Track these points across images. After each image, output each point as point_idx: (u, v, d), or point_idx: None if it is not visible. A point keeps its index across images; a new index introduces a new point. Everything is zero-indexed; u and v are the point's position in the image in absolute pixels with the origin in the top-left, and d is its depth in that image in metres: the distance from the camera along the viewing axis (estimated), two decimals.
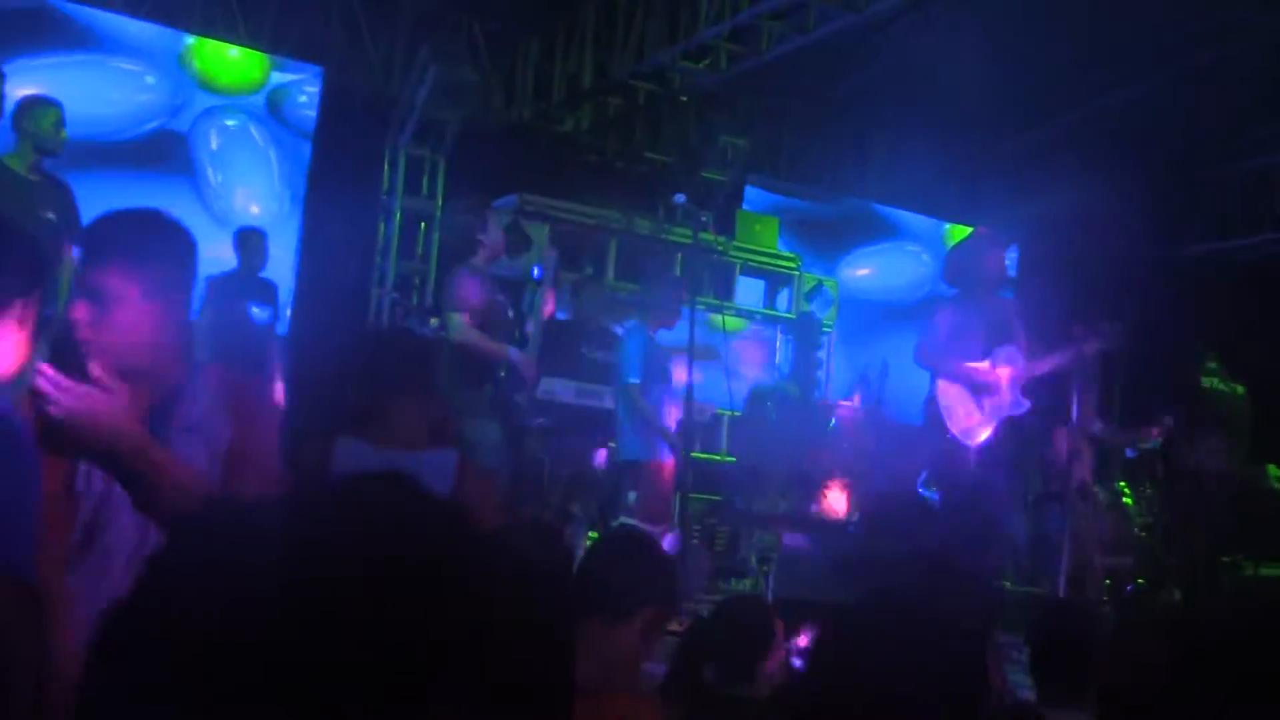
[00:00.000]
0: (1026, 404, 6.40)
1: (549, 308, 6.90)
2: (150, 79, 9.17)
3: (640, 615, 2.67)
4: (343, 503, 1.01)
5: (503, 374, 6.31)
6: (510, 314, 6.55)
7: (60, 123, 6.61)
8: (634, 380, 6.99)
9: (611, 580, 2.71)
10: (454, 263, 6.75)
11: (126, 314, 2.47)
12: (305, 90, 9.62)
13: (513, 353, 6.33)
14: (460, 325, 6.20)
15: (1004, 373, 6.31)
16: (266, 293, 8.23)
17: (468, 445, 5.36)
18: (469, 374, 6.16)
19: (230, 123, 9.49)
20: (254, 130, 9.57)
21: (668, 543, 6.06)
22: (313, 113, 9.57)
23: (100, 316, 2.46)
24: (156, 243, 2.58)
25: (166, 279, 2.56)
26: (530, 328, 6.55)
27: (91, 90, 8.74)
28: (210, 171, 9.40)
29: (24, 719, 1.78)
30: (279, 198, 9.56)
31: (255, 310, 8.02)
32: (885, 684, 1.72)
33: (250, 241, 8.10)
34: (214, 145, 9.42)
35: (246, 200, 9.43)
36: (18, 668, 1.80)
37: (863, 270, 11.70)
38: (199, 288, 2.63)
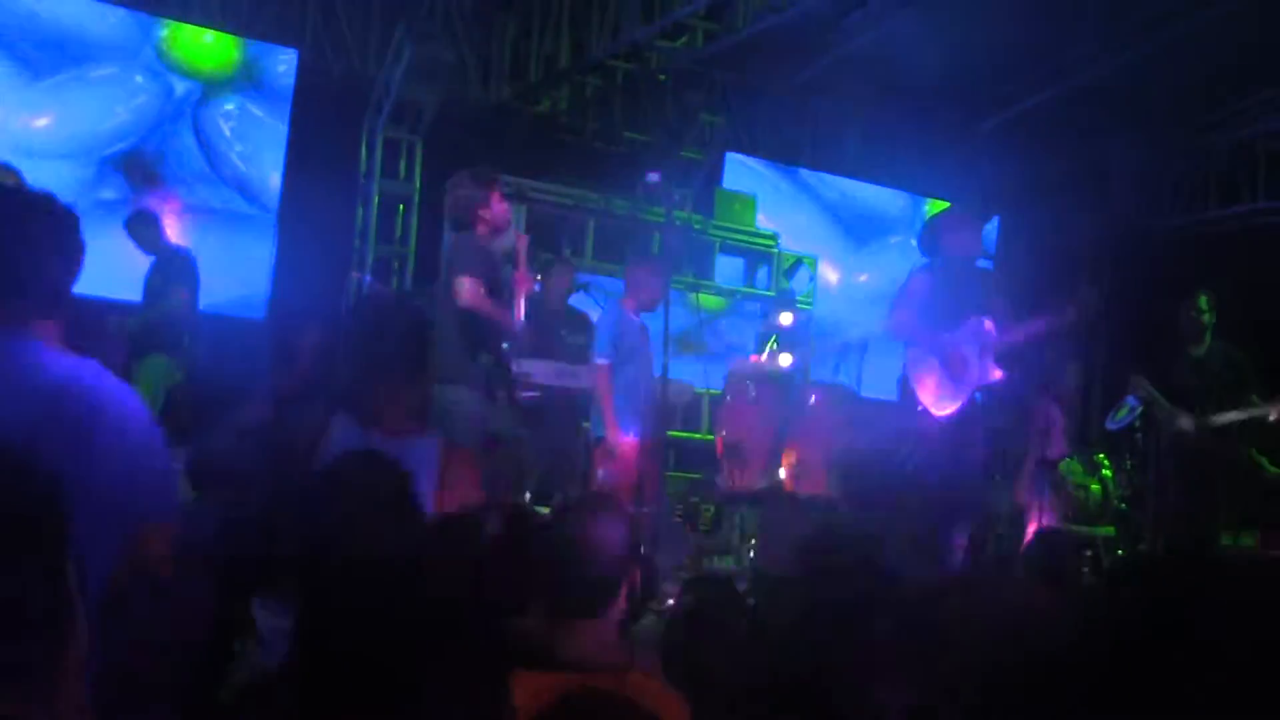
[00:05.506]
0: (1000, 375, 6.36)
1: (525, 287, 6.77)
2: (139, 78, 9.11)
3: (616, 603, 2.68)
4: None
5: (506, 345, 5.99)
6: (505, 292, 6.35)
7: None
8: (601, 360, 6.98)
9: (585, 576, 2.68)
10: (454, 231, 6.29)
11: None
12: (281, 60, 9.52)
13: (519, 324, 6.15)
14: (470, 289, 5.68)
15: (975, 344, 6.27)
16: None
17: (444, 413, 5.25)
18: (467, 342, 5.75)
19: (230, 106, 9.42)
20: (253, 108, 9.51)
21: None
22: (291, 80, 9.48)
23: None
24: None
25: None
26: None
27: (98, 106, 8.89)
28: (234, 157, 9.38)
29: None
30: None
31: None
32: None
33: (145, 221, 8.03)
34: (227, 131, 9.38)
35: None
36: None
37: (862, 277, 11.65)
38: None
